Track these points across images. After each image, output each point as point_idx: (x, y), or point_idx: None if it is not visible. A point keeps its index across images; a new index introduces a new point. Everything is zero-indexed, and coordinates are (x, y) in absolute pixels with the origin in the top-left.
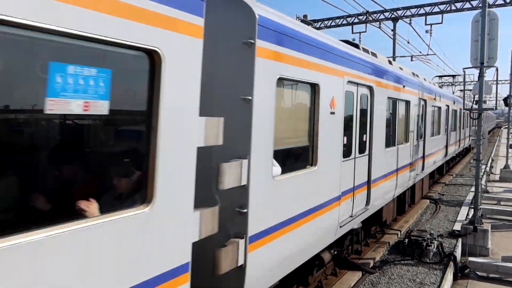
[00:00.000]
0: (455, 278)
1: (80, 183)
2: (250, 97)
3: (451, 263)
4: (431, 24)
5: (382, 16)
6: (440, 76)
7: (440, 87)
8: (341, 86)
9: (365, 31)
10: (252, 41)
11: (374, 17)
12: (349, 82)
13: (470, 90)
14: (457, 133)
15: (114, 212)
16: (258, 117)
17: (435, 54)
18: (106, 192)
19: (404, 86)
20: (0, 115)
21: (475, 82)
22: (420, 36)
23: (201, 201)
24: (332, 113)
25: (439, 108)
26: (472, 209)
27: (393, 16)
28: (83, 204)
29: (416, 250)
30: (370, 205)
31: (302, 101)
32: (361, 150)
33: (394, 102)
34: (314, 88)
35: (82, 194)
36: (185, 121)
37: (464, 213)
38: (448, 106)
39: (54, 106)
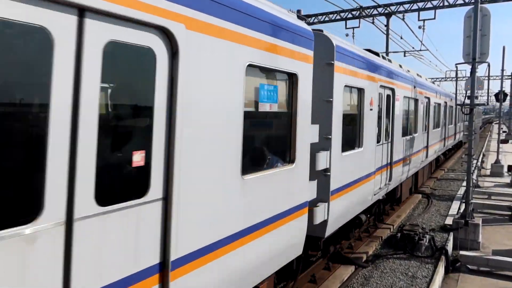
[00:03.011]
0: (447, 271)
1: None
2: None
3: (443, 257)
4: (424, 20)
5: (375, 12)
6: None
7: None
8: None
9: (359, 27)
10: (332, 62)
11: (367, 13)
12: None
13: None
14: (462, 124)
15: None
16: (335, 114)
17: (427, 49)
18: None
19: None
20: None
21: (467, 78)
22: (413, 32)
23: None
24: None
25: (451, 107)
26: (464, 204)
27: (386, 11)
28: None
29: (408, 244)
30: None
31: (355, 101)
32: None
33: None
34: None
35: None
36: (306, 125)
37: (455, 207)
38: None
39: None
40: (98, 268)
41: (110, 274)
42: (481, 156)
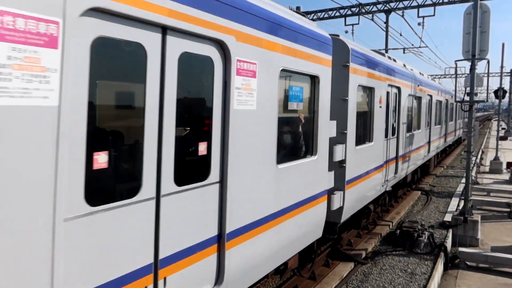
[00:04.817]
0: (446, 268)
1: None
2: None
3: (442, 254)
4: (423, 17)
5: (375, 8)
6: None
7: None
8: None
9: (358, 23)
10: (348, 64)
11: (367, 9)
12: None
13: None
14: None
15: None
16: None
17: (427, 46)
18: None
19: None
20: None
21: (466, 75)
22: (412, 29)
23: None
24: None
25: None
26: (463, 201)
27: (385, 8)
28: None
29: (407, 241)
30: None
31: (365, 98)
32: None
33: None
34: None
35: None
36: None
37: (454, 204)
38: None
39: None
40: None
41: None
42: (480, 153)
